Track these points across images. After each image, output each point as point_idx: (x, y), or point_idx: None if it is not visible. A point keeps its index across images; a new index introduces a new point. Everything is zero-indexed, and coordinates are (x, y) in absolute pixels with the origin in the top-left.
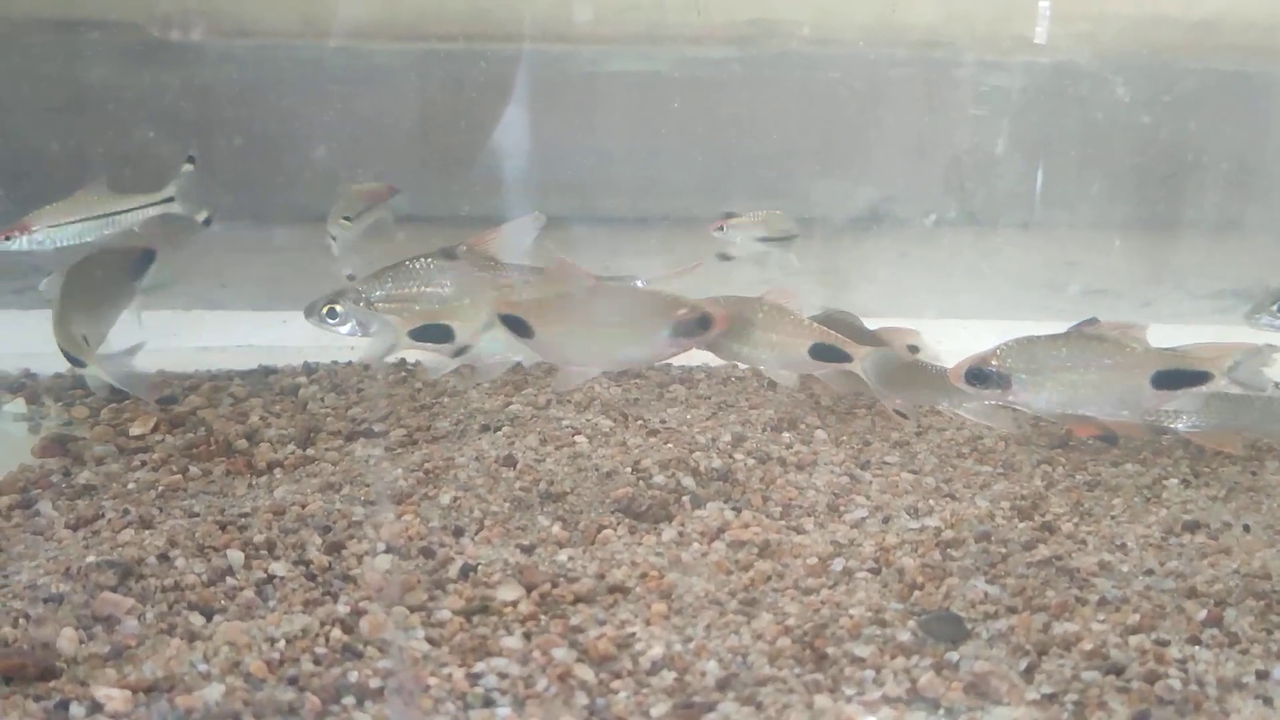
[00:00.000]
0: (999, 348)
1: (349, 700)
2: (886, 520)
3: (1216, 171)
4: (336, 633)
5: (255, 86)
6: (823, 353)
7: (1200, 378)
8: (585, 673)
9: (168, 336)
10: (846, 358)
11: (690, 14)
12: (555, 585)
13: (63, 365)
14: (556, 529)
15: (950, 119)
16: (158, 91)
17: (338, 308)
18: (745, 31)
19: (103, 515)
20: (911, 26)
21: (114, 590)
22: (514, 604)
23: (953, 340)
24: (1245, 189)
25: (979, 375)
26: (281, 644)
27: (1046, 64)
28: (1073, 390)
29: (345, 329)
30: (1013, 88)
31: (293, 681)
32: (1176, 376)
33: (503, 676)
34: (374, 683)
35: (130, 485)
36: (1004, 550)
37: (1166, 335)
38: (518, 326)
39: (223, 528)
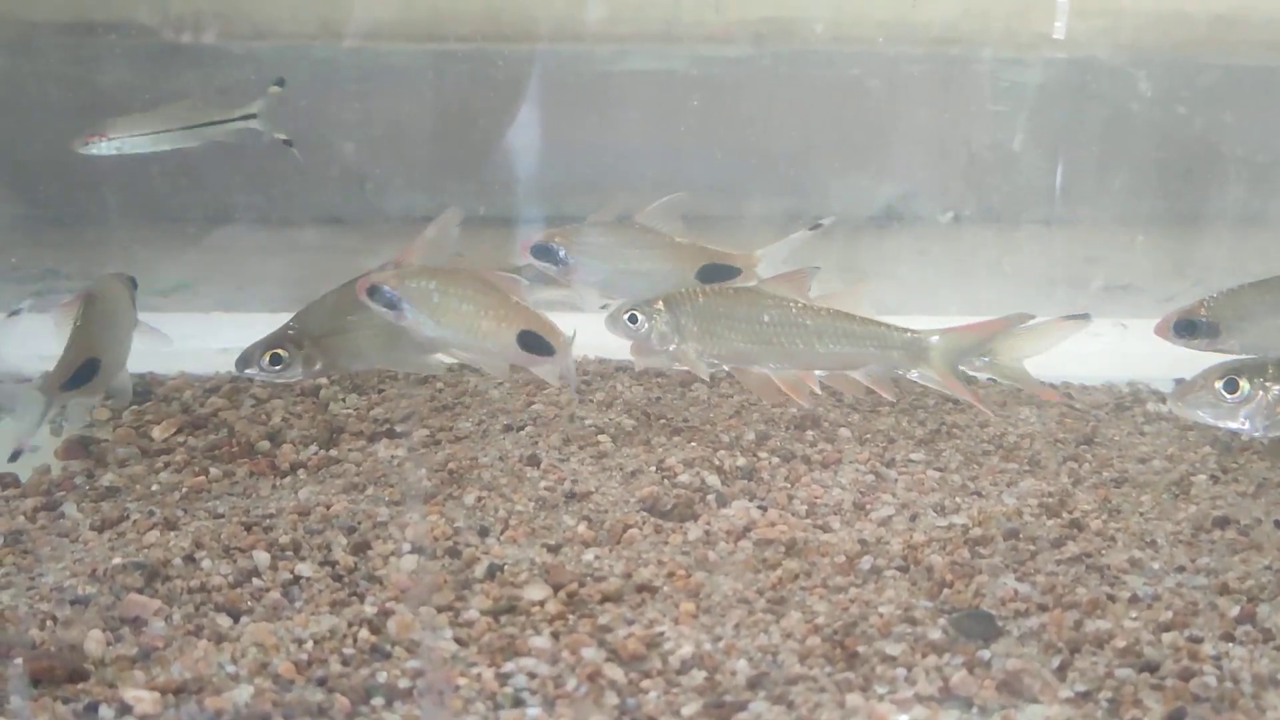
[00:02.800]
0: (1205, 299)
1: (378, 701)
2: (914, 518)
3: (1238, 166)
4: (364, 633)
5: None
6: (529, 342)
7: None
8: (615, 672)
9: (188, 339)
10: (551, 350)
11: (706, 12)
12: (582, 585)
13: None
14: (582, 528)
15: (969, 116)
16: (175, 94)
17: (281, 353)
18: (762, 29)
19: (127, 517)
20: (929, 23)
21: (140, 592)
22: (541, 603)
23: None
24: (1267, 183)
25: (1189, 326)
26: (309, 645)
27: (1065, 59)
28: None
29: (291, 374)
30: (1032, 84)
31: (321, 682)
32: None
33: (532, 676)
34: (403, 683)
35: (154, 487)
36: (1033, 548)
37: None
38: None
39: (248, 529)
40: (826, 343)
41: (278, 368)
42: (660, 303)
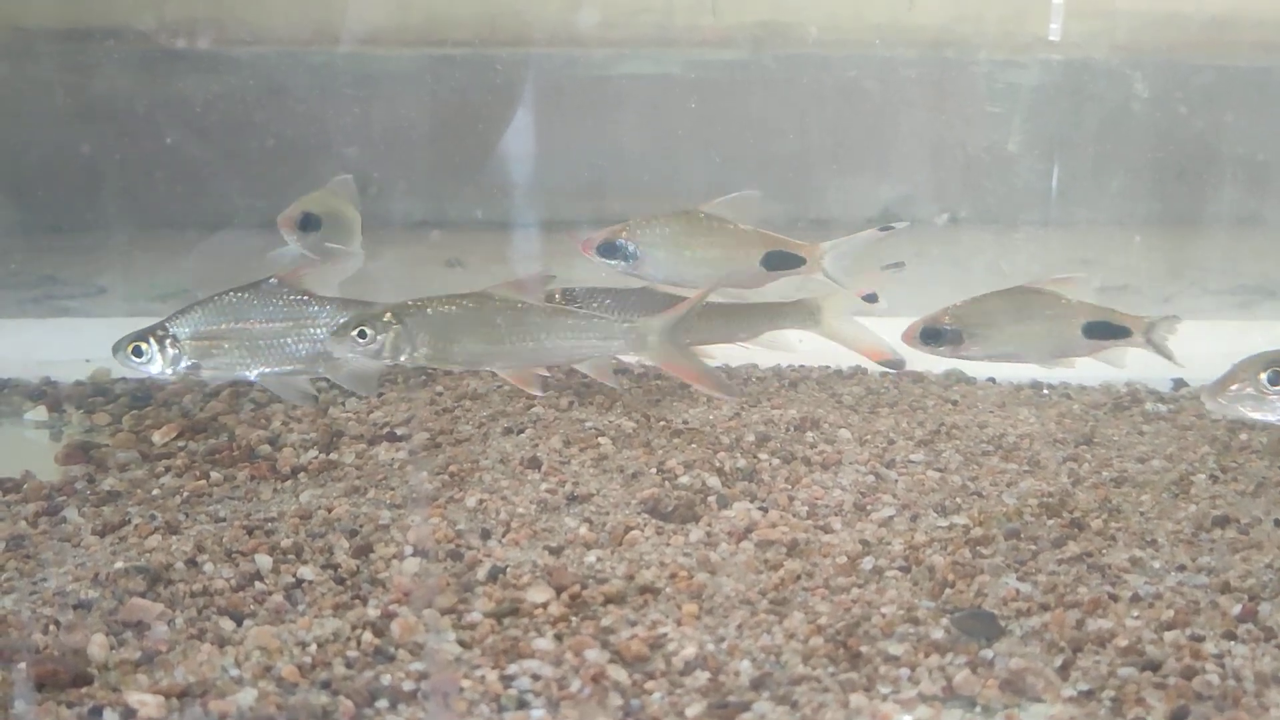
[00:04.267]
0: (949, 307)
1: (383, 703)
2: (915, 518)
3: (1234, 167)
4: (368, 636)
5: (268, 93)
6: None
7: (1122, 332)
8: (619, 674)
9: None
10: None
11: (701, 16)
12: (585, 586)
13: (83, 373)
14: (584, 530)
15: (965, 118)
16: (171, 100)
17: (143, 346)
18: (758, 33)
19: (129, 521)
20: (925, 26)
21: (143, 596)
22: (544, 605)
23: None
24: (1263, 185)
25: (934, 334)
26: (313, 648)
27: (1060, 61)
28: (1017, 342)
29: (153, 368)
30: (1027, 85)
31: (325, 685)
32: (1103, 328)
33: (536, 678)
34: (407, 686)
35: (155, 491)
36: (1034, 547)
37: (1187, 331)
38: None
39: (249, 532)
40: (554, 338)
41: (139, 360)
42: (389, 315)
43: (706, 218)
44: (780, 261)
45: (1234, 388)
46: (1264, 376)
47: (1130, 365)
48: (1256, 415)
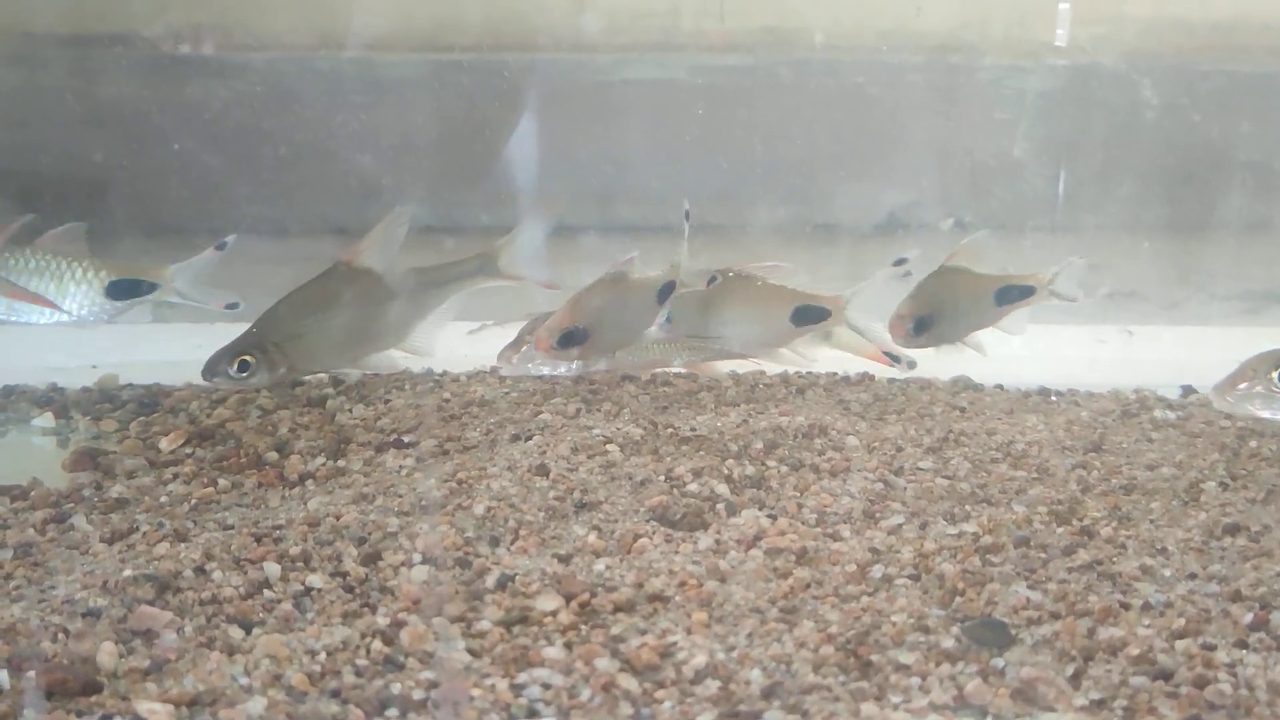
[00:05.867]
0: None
1: (393, 712)
2: (924, 526)
3: (1241, 172)
4: (377, 644)
5: (272, 99)
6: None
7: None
8: (629, 682)
9: (194, 349)
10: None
11: (707, 21)
12: (594, 595)
13: (90, 379)
14: (592, 538)
15: (971, 123)
16: (177, 105)
17: (249, 359)
18: (764, 38)
19: (137, 529)
20: (931, 31)
21: (152, 604)
22: (554, 614)
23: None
24: (1271, 190)
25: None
26: (322, 656)
27: (1066, 66)
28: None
29: (256, 380)
30: (1034, 91)
31: (335, 694)
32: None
33: (546, 687)
34: (417, 694)
35: (163, 498)
36: (1044, 555)
37: (1195, 337)
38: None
39: (258, 540)
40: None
41: (244, 374)
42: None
43: (736, 279)
44: (806, 315)
45: (1242, 385)
46: (1275, 375)
47: (1138, 372)
48: (1265, 413)
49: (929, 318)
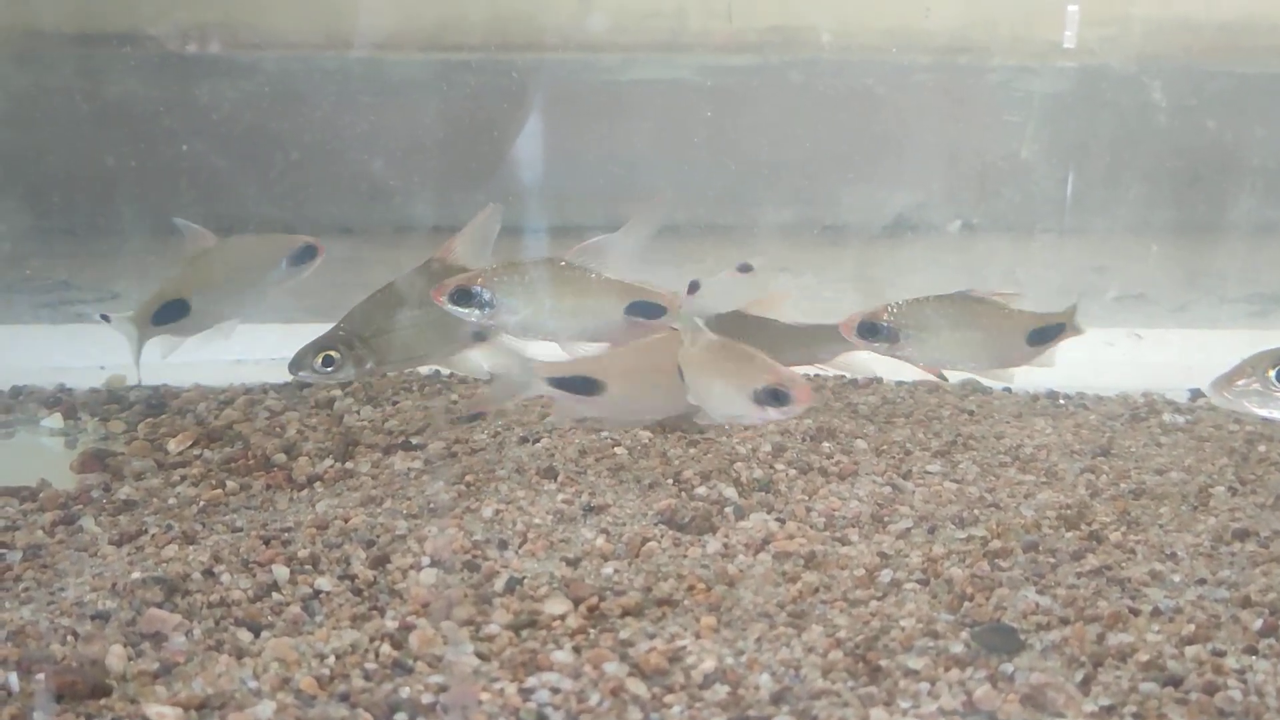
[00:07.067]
0: (890, 304)
1: (401, 716)
2: (932, 530)
3: (1250, 174)
4: (386, 648)
5: (279, 99)
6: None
7: (1061, 329)
8: (638, 687)
9: (201, 350)
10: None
11: (714, 20)
12: (603, 599)
13: (98, 380)
14: (600, 541)
15: (979, 124)
16: (185, 105)
17: (334, 354)
18: (771, 38)
19: (146, 531)
20: (939, 32)
21: (160, 606)
22: (562, 618)
23: None
24: (1279, 191)
25: (871, 329)
26: (331, 660)
27: (1074, 68)
28: (956, 347)
29: (343, 375)
30: (1041, 92)
31: (344, 698)
32: (1045, 333)
33: (555, 691)
34: (426, 698)
35: (171, 500)
36: (1053, 560)
37: (1203, 340)
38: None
39: (266, 542)
40: None
41: (330, 369)
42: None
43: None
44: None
45: (1240, 383)
46: (1272, 373)
47: (1147, 376)
48: (1262, 412)
49: (886, 328)
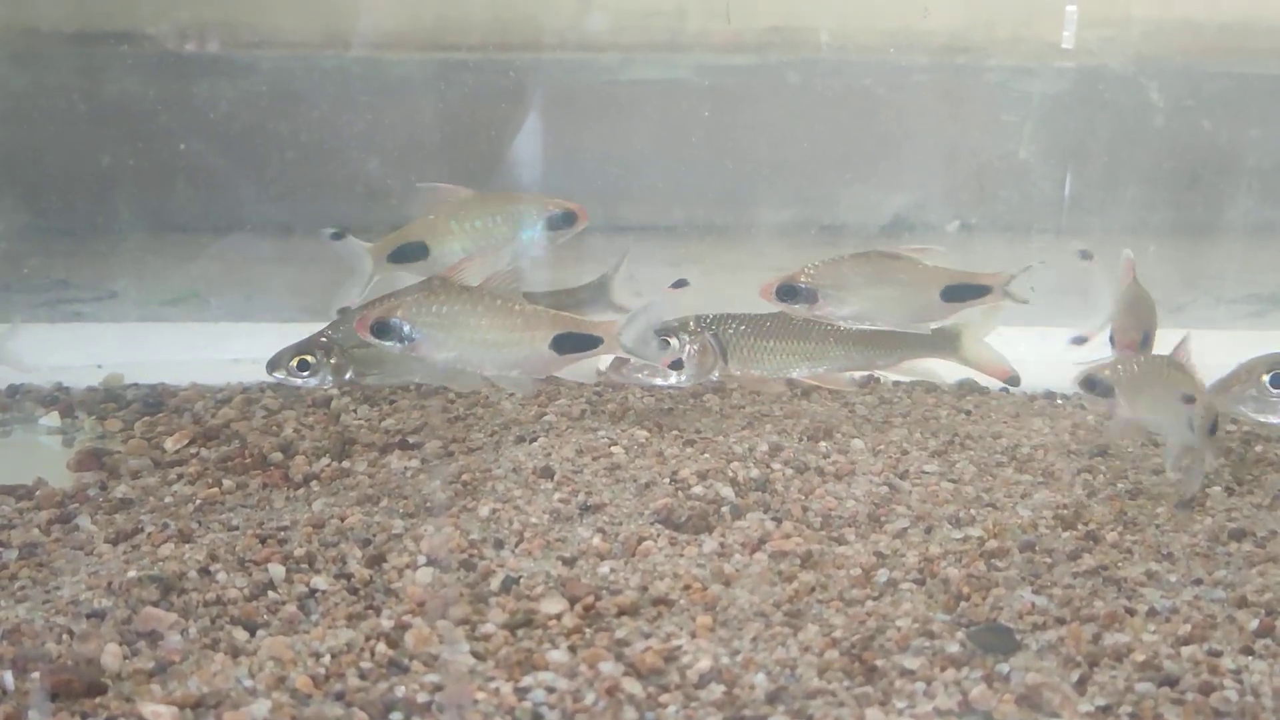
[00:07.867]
0: (805, 266)
1: (397, 715)
2: (929, 530)
3: (1248, 175)
4: (381, 647)
5: (278, 98)
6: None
7: (981, 291)
8: (633, 686)
9: (198, 349)
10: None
11: (713, 21)
12: (599, 598)
13: (95, 379)
14: (597, 540)
15: (977, 125)
16: (183, 104)
17: (309, 359)
18: (770, 39)
19: (142, 529)
20: (937, 32)
21: (156, 605)
22: (558, 617)
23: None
24: (1278, 193)
25: (790, 291)
26: (327, 659)
27: (1073, 68)
28: (873, 304)
29: (317, 380)
30: (1040, 92)
31: (339, 697)
32: (961, 290)
33: (550, 690)
34: (421, 698)
35: (168, 499)
36: (1049, 560)
37: (1201, 340)
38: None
39: (262, 541)
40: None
41: (305, 374)
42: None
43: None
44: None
45: (1236, 388)
46: (1266, 378)
47: None
48: (1258, 416)
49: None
